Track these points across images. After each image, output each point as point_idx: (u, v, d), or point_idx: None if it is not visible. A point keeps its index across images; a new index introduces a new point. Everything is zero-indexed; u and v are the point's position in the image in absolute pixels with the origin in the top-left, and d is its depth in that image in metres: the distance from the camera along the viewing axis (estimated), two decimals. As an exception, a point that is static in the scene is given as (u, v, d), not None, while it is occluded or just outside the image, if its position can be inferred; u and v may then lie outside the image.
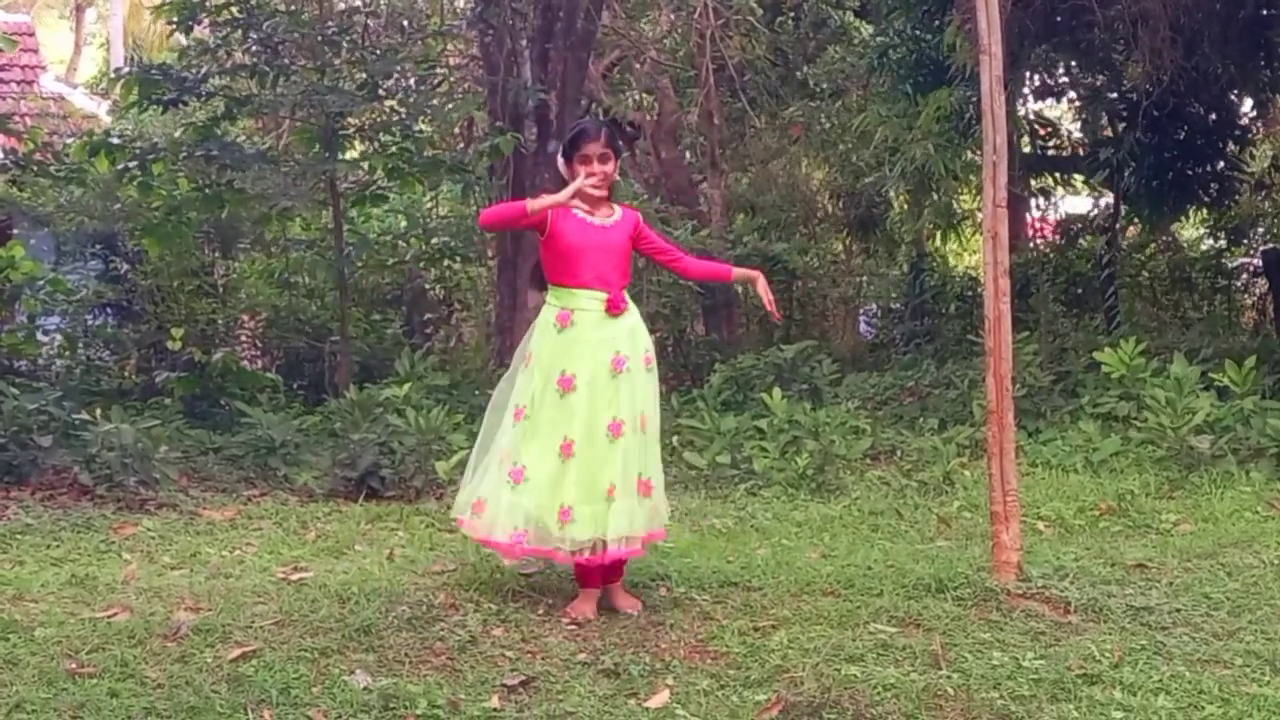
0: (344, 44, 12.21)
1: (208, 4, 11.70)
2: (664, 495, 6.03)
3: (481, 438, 5.96)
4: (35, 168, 11.43)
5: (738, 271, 6.54)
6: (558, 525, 5.54)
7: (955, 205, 17.48)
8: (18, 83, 18.71)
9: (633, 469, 5.68)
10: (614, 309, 5.70)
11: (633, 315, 5.82)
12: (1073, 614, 5.70)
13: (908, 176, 14.19)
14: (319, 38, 11.86)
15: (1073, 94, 15.94)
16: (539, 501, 5.54)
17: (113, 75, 13.91)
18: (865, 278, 20.51)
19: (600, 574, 5.74)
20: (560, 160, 5.86)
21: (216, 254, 15.04)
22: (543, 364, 5.65)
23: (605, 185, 5.76)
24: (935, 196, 16.10)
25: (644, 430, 5.73)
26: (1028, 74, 14.01)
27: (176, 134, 13.10)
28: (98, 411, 9.22)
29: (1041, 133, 16.19)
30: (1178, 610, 5.74)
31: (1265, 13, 12.21)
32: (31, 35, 20.86)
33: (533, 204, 5.79)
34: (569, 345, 5.64)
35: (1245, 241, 17.64)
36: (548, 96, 12.56)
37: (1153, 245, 18.34)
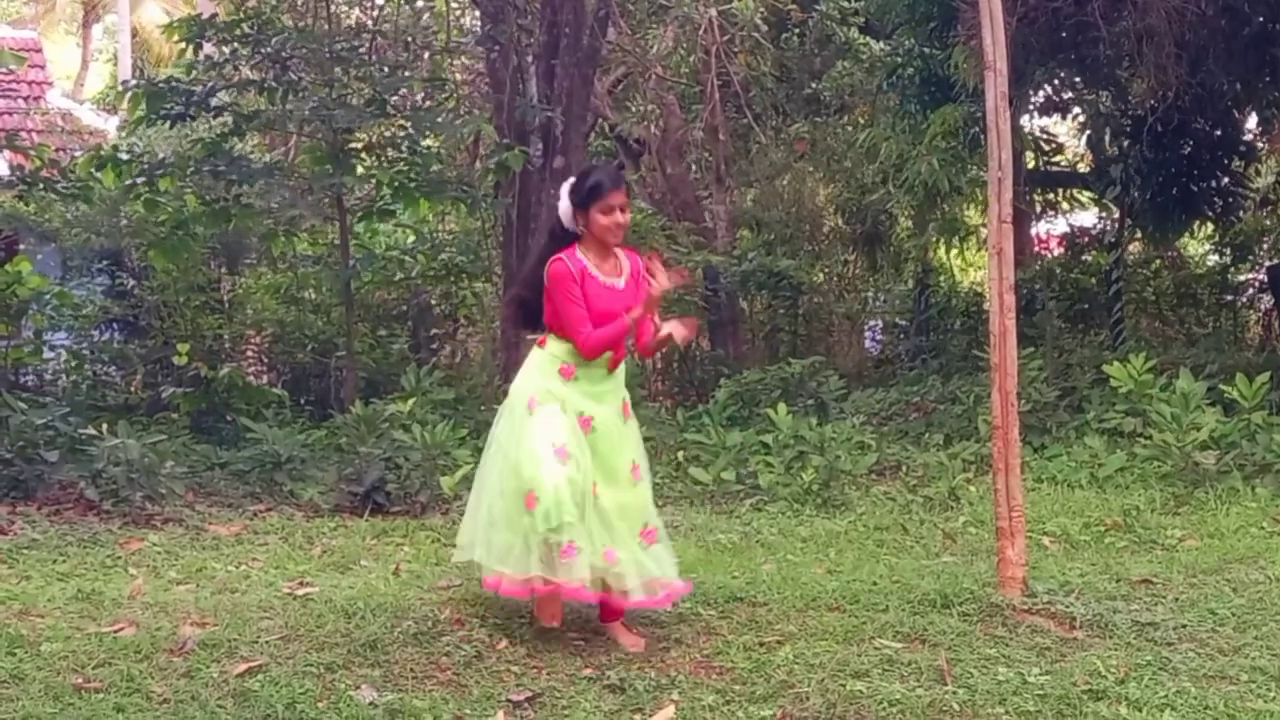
0: (352, 60, 12.25)
1: (216, 21, 11.75)
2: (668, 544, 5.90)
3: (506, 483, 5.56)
4: (42, 183, 11.47)
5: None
6: (605, 566, 5.42)
7: (960, 221, 17.50)
8: (25, 98, 18.76)
9: (650, 515, 5.71)
10: (614, 367, 5.67)
11: (623, 366, 5.77)
12: (1078, 630, 5.69)
13: (913, 192, 14.21)
14: (327, 54, 11.91)
15: (1078, 110, 15.95)
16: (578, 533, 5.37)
17: (119, 89, 13.93)
18: (871, 293, 20.50)
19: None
20: (567, 209, 5.59)
21: (223, 270, 15.07)
22: (553, 407, 5.48)
23: (624, 234, 5.64)
24: (941, 212, 16.14)
25: (641, 479, 5.71)
26: (1033, 90, 14.02)
27: (184, 149, 13.14)
28: (104, 427, 9.24)
29: (1047, 148, 16.20)
30: (1183, 626, 5.73)
31: (1270, 29, 12.22)
32: (39, 51, 20.93)
33: (630, 318, 5.56)
34: (578, 397, 5.53)
35: (1250, 257, 17.62)
36: (553, 113, 12.59)
37: (1158, 261, 18.34)
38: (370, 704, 4.63)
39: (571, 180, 5.69)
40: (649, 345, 5.85)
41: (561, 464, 5.32)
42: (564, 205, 5.60)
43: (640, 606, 5.59)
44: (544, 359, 5.61)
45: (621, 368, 5.73)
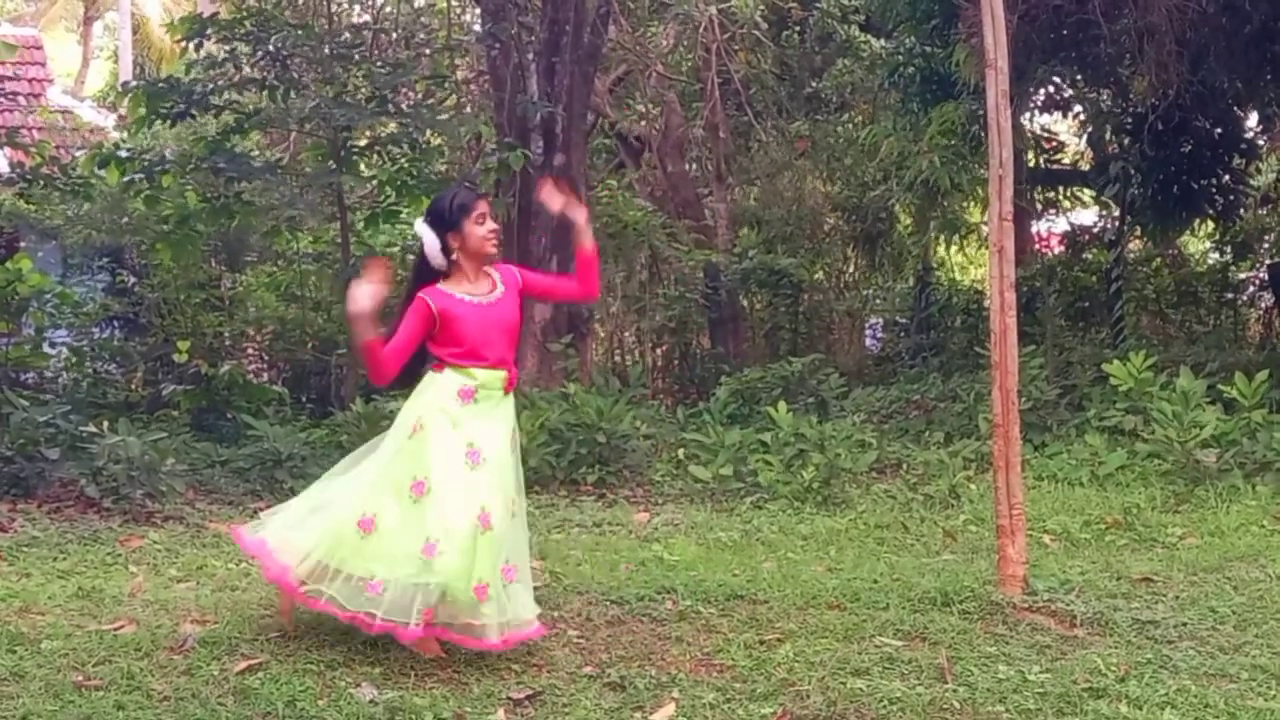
0: (353, 58, 12.25)
1: (218, 19, 11.75)
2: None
3: (344, 490, 5.42)
4: (43, 180, 11.45)
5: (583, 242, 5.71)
6: (471, 601, 5.11)
7: (961, 219, 17.50)
8: (25, 96, 18.73)
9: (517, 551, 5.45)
10: (509, 389, 5.49)
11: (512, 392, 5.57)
12: (1079, 628, 5.69)
13: (914, 190, 14.21)
14: (328, 52, 11.90)
15: (1079, 108, 15.95)
16: (455, 575, 5.08)
17: (120, 88, 13.94)
18: (871, 291, 20.52)
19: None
20: (434, 243, 5.36)
21: (223, 267, 15.07)
22: (442, 435, 5.27)
23: (498, 243, 5.49)
24: (941, 210, 16.13)
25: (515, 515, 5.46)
26: (1034, 88, 14.02)
27: (186, 146, 13.14)
28: (104, 424, 9.24)
29: (1048, 147, 16.20)
30: (1184, 624, 5.74)
31: (1271, 27, 12.21)
32: (39, 49, 20.91)
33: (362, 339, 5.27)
34: (473, 419, 5.33)
35: (1251, 255, 17.63)
36: (554, 111, 12.58)
37: (1158, 259, 18.34)
38: (371, 702, 4.63)
39: (428, 213, 5.51)
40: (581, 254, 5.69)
41: (414, 500, 5.16)
42: (430, 241, 5.37)
43: (471, 646, 5.20)
44: (442, 379, 5.37)
45: (511, 396, 5.53)
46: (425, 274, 5.43)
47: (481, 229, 5.38)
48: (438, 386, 5.36)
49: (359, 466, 5.48)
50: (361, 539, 5.16)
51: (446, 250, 5.37)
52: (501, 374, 5.41)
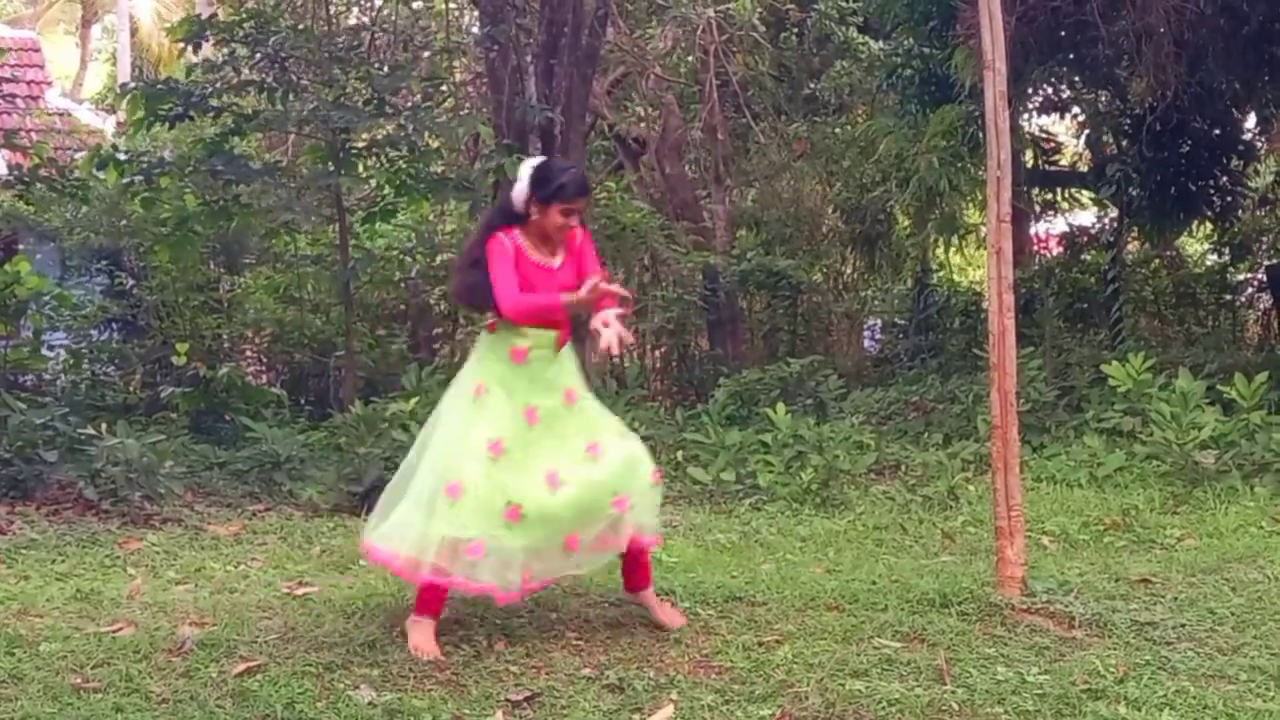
0: (352, 60, 12.25)
1: (216, 22, 11.75)
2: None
3: (432, 468, 5.46)
4: (41, 182, 11.45)
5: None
6: (565, 554, 5.44)
7: (959, 220, 17.50)
8: (23, 98, 18.74)
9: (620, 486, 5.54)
10: (560, 347, 5.61)
11: (569, 348, 5.71)
12: (1077, 629, 5.69)
13: (912, 192, 14.22)
14: (326, 54, 11.90)
15: (1077, 109, 15.96)
16: (543, 535, 5.33)
17: (119, 90, 13.94)
18: (870, 293, 20.53)
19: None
20: (523, 193, 5.48)
21: (222, 270, 15.07)
22: (500, 394, 5.45)
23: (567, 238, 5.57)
24: (940, 211, 16.13)
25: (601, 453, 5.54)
26: (1032, 90, 14.03)
27: (185, 149, 13.14)
28: (103, 426, 9.24)
29: (1046, 148, 16.21)
30: (1182, 625, 5.73)
31: (1269, 28, 12.22)
32: (37, 51, 20.93)
33: (568, 299, 5.54)
34: (526, 382, 5.48)
35: (1249, 257, 17.64)
36: (553, 113, 12.59)
37: (1157, 260, 18.35)
38: (369, 704, 4.63)
39: (536, 165, 5.61)
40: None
41: (493, 460, 5.30)
42: (521, 189, 5.49)
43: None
44: (494, 342, 5.56)
45: (569, 353, 5.68)
46: (504, 216, 5.60)
47: (561, 220, 5.48)
48: (491, 348, 5.55)
49: (431, 441, 5.56)
50: (452, 505, 5.24)
51: (527, 209, 5.49)
52: (553, 334, 5.56)
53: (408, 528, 5.34)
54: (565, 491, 5.33)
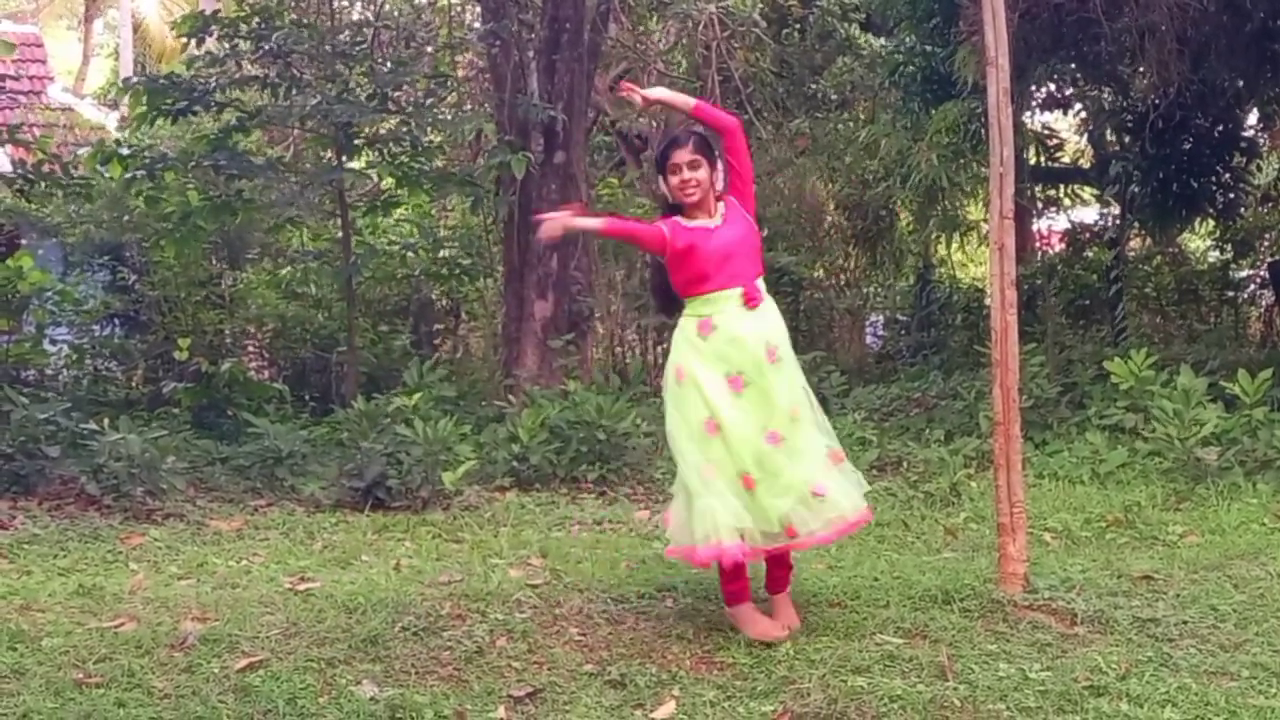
0: (355, 56, 12.25)
1: (221, 17, 11.75)
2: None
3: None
4: (44, 179, 11.46)
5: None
6: (809, 502, 5.58)
7: (962, 216, 17.50)
8: (25, 93, 18.75)
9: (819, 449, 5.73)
10: (750, 302, 5.62)
11: (769, 305, 5.76)
12: (1079, 625, 5.69)
13: (915, 188, 14.20)
14: (329, 49, 11.90)
15: (1079, 106, 15.95)
16: (770, 501, 5.53)
17: (121, 85, 13.94)
18: (872, 289, 20.50)
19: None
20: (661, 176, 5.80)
21: (224, 265, 15.08)
22: (699, 371, 5.59)
23: (700, 191, 5.67)
24: (942, 208, 16.13)
25: (800, 418, 5.70)
26: (1034, 86, 14.02)
27: (188, 144, 13.14)
28: (105, 422, 9.24)
29: (1048, 145, 16.20)
30: (1184, 622, 5.73)
31: (1272, 25, 12.21)
32: (39, 46, 20.95)
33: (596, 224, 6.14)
34: (720, 348, 5.59)
35: (1251, 253, 17.63)
36: (555, 110, 12.58)
37: (1159, 257, 18.34)
38: (371, 699, 4.63)
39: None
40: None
41: (709, 437, 5.50)
42: (661, 180, 5.78)
43: (819, 543, 5.85)
44: (684, 324, 5.70)
45: (766, 310, 5.71)
46: (662, 207, 5.91)
47: (674, 179, 5.67)
48: (681, 331, 5.69)
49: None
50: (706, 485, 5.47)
51: (662, 189, 5.80)
52: (735, 291, 5.62)
53: (679, 521, 5.65)
54: (782, 449, 5.56)
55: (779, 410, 5.57)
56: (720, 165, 5.74)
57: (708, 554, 5.46)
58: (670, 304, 5.86)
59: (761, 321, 5.67)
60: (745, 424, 5.51)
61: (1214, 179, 15.02)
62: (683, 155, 5.66)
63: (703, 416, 5.52)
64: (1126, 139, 15.02)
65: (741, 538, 5.43)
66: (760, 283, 5.69)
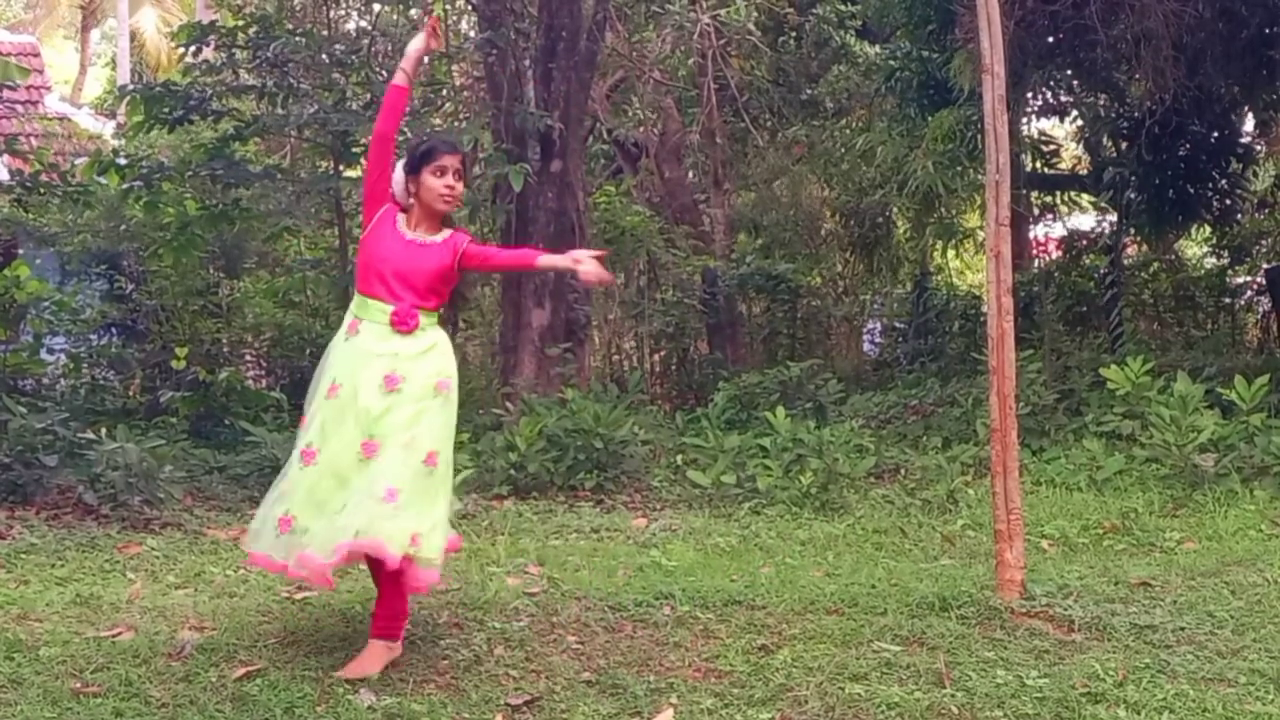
0: (351, 64, 12.26)
1: (219, 27, 11.77)
2: (438, 524, 5.23)
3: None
4: (42, 188, 11.46)
5: (545, 260, 6.06)
6: (274, 533, 5.08)
7: (958, 224, 17.52)
8: (23, 103, 18.73)
9: (381, 485, 5.06)
10: (400, 324, 5.25)
11: (430, 338, 5.33)
12: (1077, 632, 5.70)
13: (911, 195, 14.21)
14: (326, 58, 11.92)
15: (1075, 113, 15.97)
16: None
17: (118, 92, 13.95)
18: (869, 296, 20.53)
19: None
20: (400, 176, 5.42)
21: (221, 274, 15.07)
22: (320, 369, 5.39)
23: (454, 203, 5.45)
24: (939, 215, 16.14)
25: (426, 465, 5.16)
26: (1030, 93, 14.03)
27: (185, 153, 13.15)
28: (102, 431, 9.23)
29: (1045, 151, 16.22)
30: (1182, 629, 5.74)
31: (1268, 31, 12.23)
32: (37, 55, 20.92)
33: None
34: (349, 354, 5.30)
35: (1248, 260, 17.64)
36: (551, 118, 12.59)
37: (1156, 263, 18.36)
38: (369, 708, 4.63)
39: (404, 151, 5.63)
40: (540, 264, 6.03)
41: (302, 435, 5.29)
42: (397, 176, 5.43)
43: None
44: (347, 315, 5.45)
45: (428, 337, 5.32)
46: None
47: (438, 181, 5.36)
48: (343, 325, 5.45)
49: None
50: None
51: (408, 191, 5.43)
52: (388, 307, 5.27)
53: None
54: (310, 470, 5.18)
55: (353, 430, 5.15)
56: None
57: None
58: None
59: (402, 346, 5.26)
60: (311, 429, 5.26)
61: (1210, 185, 15.04)
62: (454, 161, 5.42)
63: (309, 412, 5.34)
64: (1123, 145, 15.04)
65: None
66: (421, 315, 5.31)
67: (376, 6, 15.53)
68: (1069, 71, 13.87)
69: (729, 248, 18.79)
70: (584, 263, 5.44)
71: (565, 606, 6.10)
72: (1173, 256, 18.79)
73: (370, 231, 5.41)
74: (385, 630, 5.19)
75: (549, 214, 12.72)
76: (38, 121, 18.49)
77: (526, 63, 13.17)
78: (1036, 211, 16.48)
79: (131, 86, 12.77)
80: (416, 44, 5.56)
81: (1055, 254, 18.48)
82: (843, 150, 18.60)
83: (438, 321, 5.42)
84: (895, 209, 18.49)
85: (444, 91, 14.33)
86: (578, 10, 13.14)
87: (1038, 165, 15.68)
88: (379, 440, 5.10)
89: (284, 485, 5.21)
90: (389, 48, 14.76)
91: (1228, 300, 18.00)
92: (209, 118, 12.18)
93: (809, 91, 18.63)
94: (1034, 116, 15.57)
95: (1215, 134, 14.75)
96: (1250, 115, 15.29)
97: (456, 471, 9.46)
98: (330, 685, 4.86)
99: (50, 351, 12.74)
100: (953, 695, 4.84)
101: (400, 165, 5.47)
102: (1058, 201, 17.17)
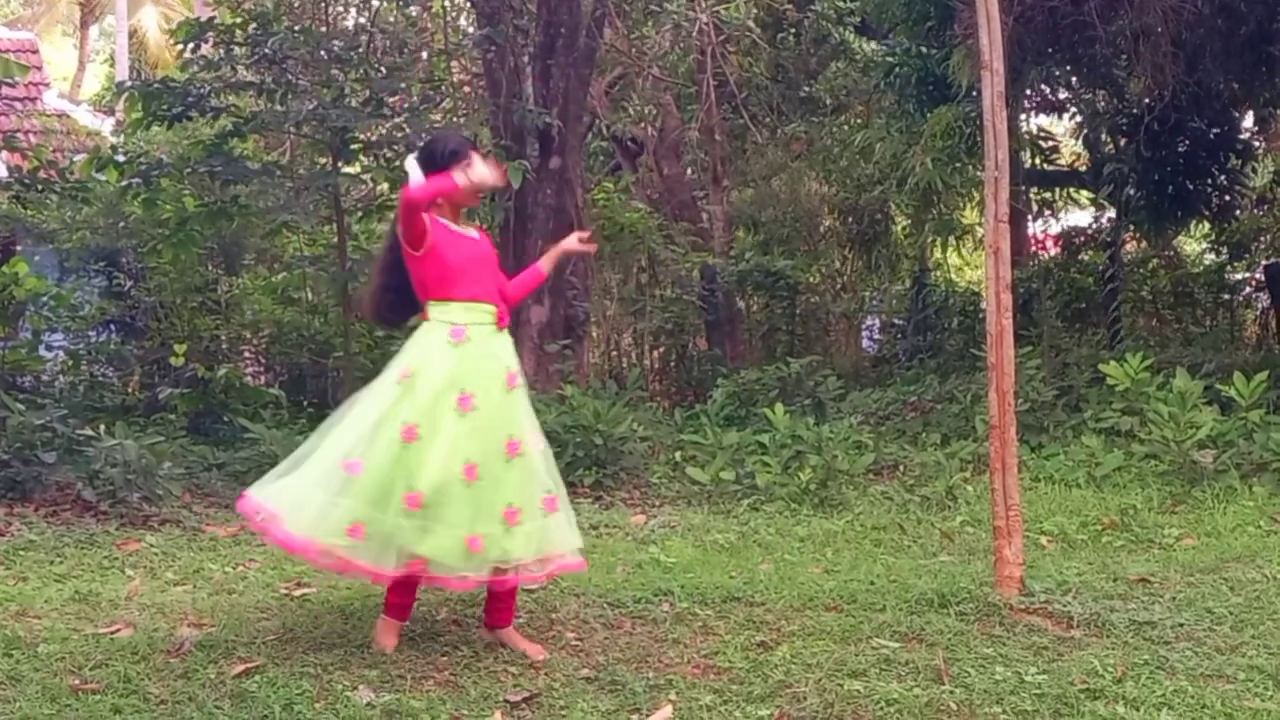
0: (350, 61, 12.25)
1: (218, 24, 11.75)
2: (569, 518, 5.59)
3: (334, 443, 5.24)
4: (40, 185, 11.45)
5: (545, 262, 6.11)
6: (465, 555, 5.09)
7: (957, 220, 17.52)
8: (21, 100, 18.71)
9: (536, 489, 5.35)
10: (502, 323, 5.43)
11: (506, 331, 5.50)
12: (1075, 629, 5.69)
13: (910, 192, 14.21)
14: (325, 55, 11.90)
15: (1074, 109, 15.97)
16: (443, 530, 5.05)
17: (116, 88, 13.93)
18: (868, 293, 20.54)
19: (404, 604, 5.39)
20: (420, 174, 5.32)
21: (220, 271, 15.07)
22: (433, 381, 5.18)
23: (479, 197, 5.46)
24: (938, 212, 16.14)
25: (536, 449, 5.41)
26: (1029, 90, 14.03)
27: (183, 150, 13.13)
28: (101, 428, 9.25)
29: (1044, 148, 16.22)
30: (1180, 625, 5.74)
31: (1267, 28, 12.23)
32: (35, 52, 20.89)
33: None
34: (464, 361, 5.25)
35: (1247, 256, 17.65)
36: (550, 115, 12.58)
37: (1155, 260, 18.37)
38: (368, 704, 4.63)
39: (420, 151, 5.54)
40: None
41: (403, 446, 5.07)
42: (415, 178, 5.32)
43: (525, 581, 5.52)
44: (431, 327, 5.33)
45: (506, 334, 5.47)
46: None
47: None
48: (427, 332, 5.34)
49: (345, 417, 5.33)
50: (347, 481, 5.06)
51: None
52: (490, 308, 5.39)
53: (305, 506, 5.11)
54: (476, 487, 5.13)
55: (497, 439, 5.23)
56: None
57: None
58: (403, 310, 5.64)
59: (505, 346, 5.46)
60: (448, 446, 5.11)
61: (1209, 182, 15.05)
62: (476, 156, 5.44)
63: (405, 420, 5.11)
64: (1122, 142, 15.04)
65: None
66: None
67: (375, 3, 15.56)
68: (1068, 68, 13.88)
69: (728, 244, 18.79)
70: (568, 241, 5.82)
71: (564, 603, 6.10)
72: (1172, 253, 18.81)
73: (437, 238, 5.30)
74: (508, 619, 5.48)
75: (548, 211, 12.72)
76: (36, 118, 18.47)
77: (525, 59, 13.16)
78: (1035, 208, 16.48)
79: (130, 83, 12.75)
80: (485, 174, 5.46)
81: (1054, 251, 18.48)
82: (841, 147, 18.61)
83: None
84: (894, 205, 18.50)
85: (443, 88, 14.31)
86: (576, 7, 13.13)
87: (1037, 162, 15.68)
88: (518, 439, 5.31)
89: (362, 478, 5.06)
90: (387, 44, 14.78)
91: (1226, 296, 18.01)
92: (207, 114, 12.15)
93: (808, 88, 18.63)
94: (1033, 113, 15.59)
95: (1214, 130, 14.74)
96: (1249, 111, 15.29)
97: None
98: (329, 682, 4.86)
99: (49, 348, 12.76)
100: (951, 692, 4.84)
101: (416, 166, 5.39)
102: (1056, 198, 17.18)
